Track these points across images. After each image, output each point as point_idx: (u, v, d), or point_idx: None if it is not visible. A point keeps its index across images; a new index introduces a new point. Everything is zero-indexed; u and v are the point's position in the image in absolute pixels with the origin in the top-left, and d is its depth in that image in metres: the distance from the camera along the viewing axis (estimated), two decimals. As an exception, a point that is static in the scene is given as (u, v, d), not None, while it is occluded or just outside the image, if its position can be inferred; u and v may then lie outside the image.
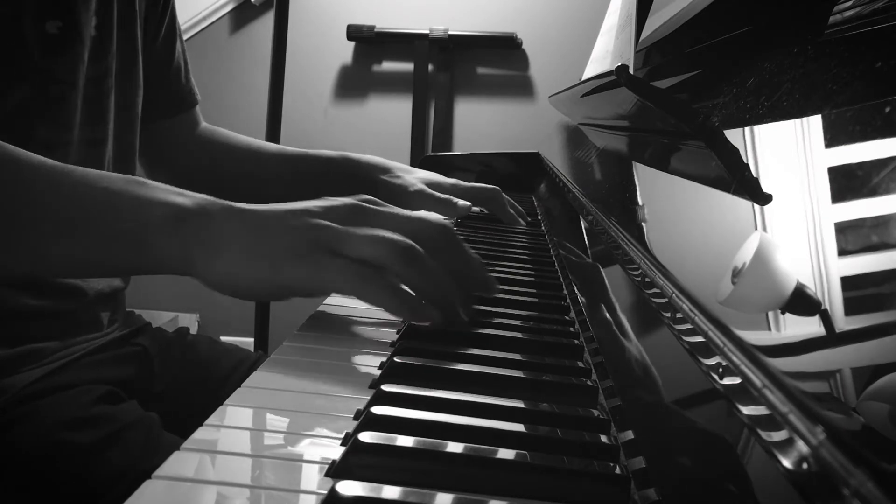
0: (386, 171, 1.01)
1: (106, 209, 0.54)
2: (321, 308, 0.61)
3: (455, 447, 0.35)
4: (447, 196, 0.96)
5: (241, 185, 1.05)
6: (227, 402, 0.41)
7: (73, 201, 0.54)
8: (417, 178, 1.00)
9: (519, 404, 0.40)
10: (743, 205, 0.40)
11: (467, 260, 0.56)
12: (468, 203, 0.96)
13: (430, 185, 0.99)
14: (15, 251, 0.54)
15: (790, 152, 0.38)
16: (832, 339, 0.28)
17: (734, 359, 0.29)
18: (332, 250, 0.51)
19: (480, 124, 2.34)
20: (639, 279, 0.46)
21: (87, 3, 0.76)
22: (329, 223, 0.52)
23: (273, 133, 1.87)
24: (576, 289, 0.66)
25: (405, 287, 0.52)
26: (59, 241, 0.54)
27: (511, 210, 1.03)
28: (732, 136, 0.43)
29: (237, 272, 0.51)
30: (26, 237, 0.54)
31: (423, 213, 0.55)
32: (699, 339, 0.33)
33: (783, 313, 0.31)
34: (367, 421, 0.37)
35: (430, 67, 2.30)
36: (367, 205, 0.54)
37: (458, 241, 0.56)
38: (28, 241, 0.54)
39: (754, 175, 0.39)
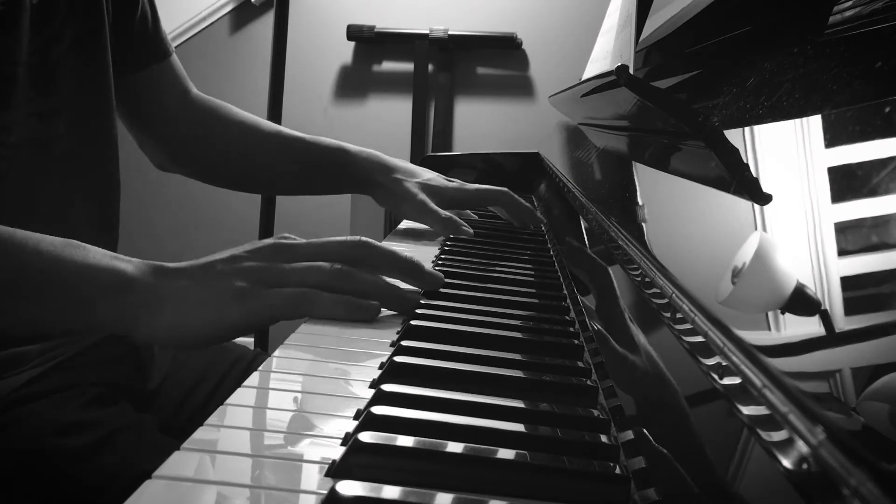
0: (387, 172, 0.96)
1: (47, 276, 0.55)
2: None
3: (455, 447, 0.35)
4: (448, 215, 0.90)
5: (234, 163, 1.00)
6: (227, 401, 0.41)
7: (11, 269, 0.55)
8: (421, 183, 0.95)
9: (519, 404, 0.40)
10: (743, 205, 0.40)
11: (397, 259, 0.61)
12: (470, 230, 0.89)
13: (434, 189, 0.94)
14: None
15: (790, 152, 0.38)
16: (832, 339, 0.28)
17: (734, 359, 0.29)
18: (271, 285, 0.56)
19: (480, 124, 2.34)
20: (639, 279, 0.46)
21: None
22: (261, 263, 0.57)
23: (273, 133, 1.87)
24: (576, 289, 0.66)
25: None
26: None
27: (523, 210, 0.97)
28: (732, 136, 0.43)
29: (184, 324, 0.55)
30: None
31: (334, 239, 0.61)
32: (699, 339, 0.33)
33: (783, 313, 0.31)
34: (367, 421, 0.37)
35: (430, 67, 2.30)
36: (285, 241, 0.60)
37: (381, 248, 0.61)
38: None
39: (754, 175, 0.39)
